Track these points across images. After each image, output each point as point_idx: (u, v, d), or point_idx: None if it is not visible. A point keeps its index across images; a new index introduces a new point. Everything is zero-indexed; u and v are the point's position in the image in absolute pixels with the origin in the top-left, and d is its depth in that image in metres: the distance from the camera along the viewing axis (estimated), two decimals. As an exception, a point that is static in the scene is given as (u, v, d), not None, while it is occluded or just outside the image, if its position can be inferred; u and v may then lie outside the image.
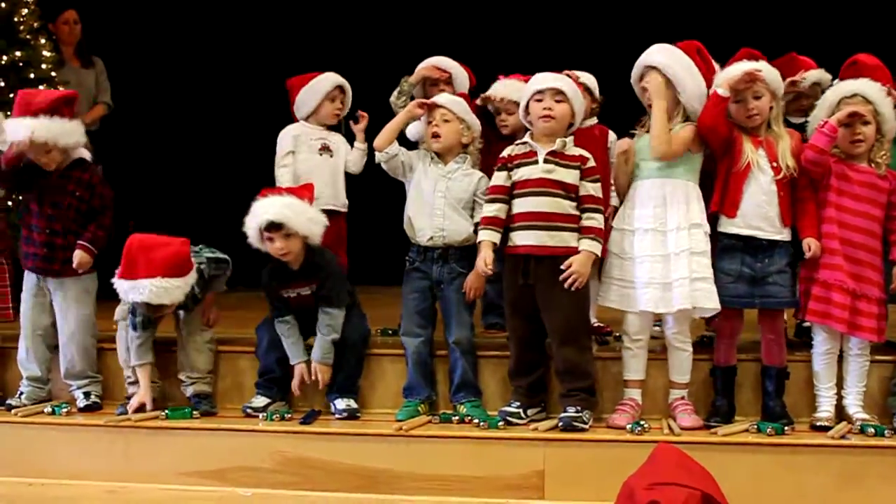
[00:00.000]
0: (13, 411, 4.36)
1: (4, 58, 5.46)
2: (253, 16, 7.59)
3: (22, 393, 4.49)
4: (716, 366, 4.19)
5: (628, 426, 4.00)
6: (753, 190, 4.05)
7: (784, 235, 4.08)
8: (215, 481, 4.07)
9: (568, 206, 4.08)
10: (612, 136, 4.67)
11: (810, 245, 4.02)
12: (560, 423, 4.01)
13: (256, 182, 4.45)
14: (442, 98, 4.45)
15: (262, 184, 4.45)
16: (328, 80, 4.80)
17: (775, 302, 4.08)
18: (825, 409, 4.06)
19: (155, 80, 7.67)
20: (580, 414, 4.02)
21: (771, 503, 3.76)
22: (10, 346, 4.67)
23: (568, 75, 4.27)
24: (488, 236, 4.13)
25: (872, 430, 3.91)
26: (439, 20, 7.45)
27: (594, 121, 4.71)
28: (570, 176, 4.09)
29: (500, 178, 4.17)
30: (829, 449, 3.84)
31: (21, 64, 5.51)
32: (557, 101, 4.12)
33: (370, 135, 4.67)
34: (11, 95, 5.36)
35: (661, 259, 4.05)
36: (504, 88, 4.66)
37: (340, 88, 4.83)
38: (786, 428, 3.96)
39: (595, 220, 4.08)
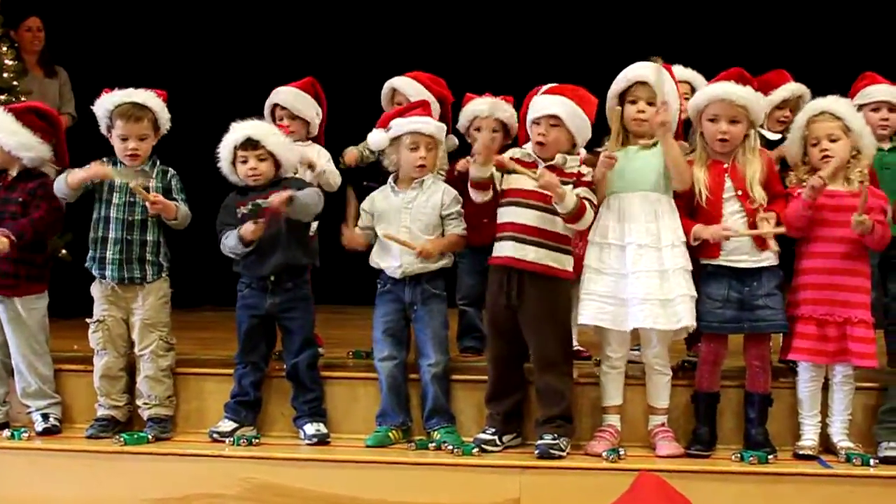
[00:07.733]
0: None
1: (-36, 67, 5.28)
2: (220, 28, 7.47)
3: (-24, 417, 4.33)
4: (698, 392, 4.08)
5: (604, 453, 3.91)
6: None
7: (768, 260, 3.99)
8: (178, 509, 3.93)
9: (558, 224, 3.98)
10: None
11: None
12: (536, 451, 3.92)
13: (220, 198, 4.33)
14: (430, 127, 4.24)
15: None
16: None
17: (766, 325, 3.99)
18: (809, 438, 3.99)
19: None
20: (557, 441, 3.94)
21: (754, 533, 3.68)
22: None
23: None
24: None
25: (858, 459, 3.84)
26: (418, 30, 7.40)
27: None
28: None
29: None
30: (812, 478, 3.79)
31: (-19, 73, 5.34)
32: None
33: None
34: (-28, 106, 5.18)
35: (657, 275, 3.94)
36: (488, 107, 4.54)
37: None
38: (769, 456, 3.88)
39: (586, 193, 3.96)
